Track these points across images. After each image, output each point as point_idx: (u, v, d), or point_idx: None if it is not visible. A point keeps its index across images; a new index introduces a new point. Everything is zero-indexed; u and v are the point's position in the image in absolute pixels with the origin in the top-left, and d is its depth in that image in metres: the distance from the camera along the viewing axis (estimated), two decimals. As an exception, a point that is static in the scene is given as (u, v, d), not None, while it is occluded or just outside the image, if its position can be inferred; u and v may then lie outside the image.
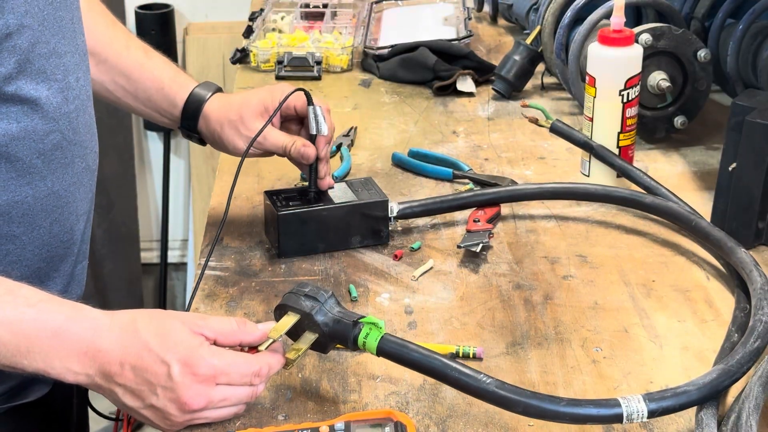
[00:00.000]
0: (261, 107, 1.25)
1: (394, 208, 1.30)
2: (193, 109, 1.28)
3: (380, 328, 0.96)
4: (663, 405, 0.91)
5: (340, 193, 1.28)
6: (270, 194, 1.28)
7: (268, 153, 1.27)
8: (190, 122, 1.29)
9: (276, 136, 1.25)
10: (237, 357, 0.94)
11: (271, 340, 0.96)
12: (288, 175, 1.46)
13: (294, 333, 0.98)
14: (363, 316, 0.97)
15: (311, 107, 1.24)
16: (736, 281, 1.17)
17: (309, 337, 0.98)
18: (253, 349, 0.97)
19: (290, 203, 1.26)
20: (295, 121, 1.29)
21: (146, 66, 1.28)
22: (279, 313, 1.00)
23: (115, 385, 0.91)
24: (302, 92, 1.24)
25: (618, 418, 0.90)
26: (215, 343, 0.95)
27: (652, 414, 0.90)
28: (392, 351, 0.95)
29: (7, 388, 1.06)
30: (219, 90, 1.30)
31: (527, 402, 0.90)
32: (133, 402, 0.92)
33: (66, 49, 1.04)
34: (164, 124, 1.32)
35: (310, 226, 1.25)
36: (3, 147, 0.98)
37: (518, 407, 0.91)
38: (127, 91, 1.28)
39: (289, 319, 0.98)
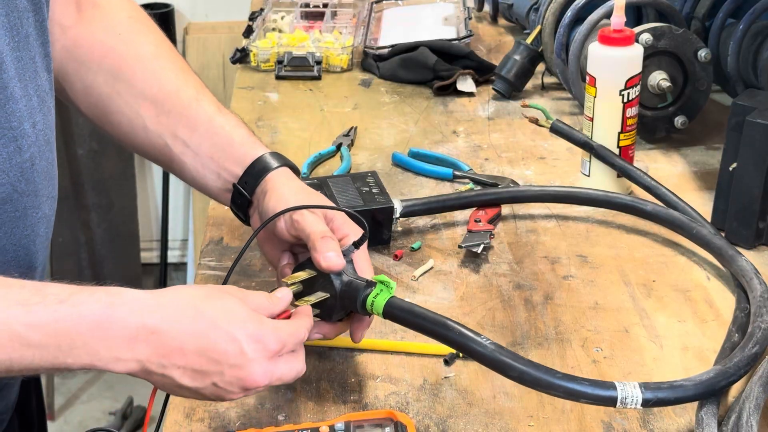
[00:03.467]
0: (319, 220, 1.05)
1: (397, 206, 1.29)
2: (259, 168, 1.10)
3: (390, 289, 0.96)
4: (659, 395, 0.91)
5: (344, 193, 1.28)
6: None
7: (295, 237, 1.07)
8: (251, 179, 1.10)
9: (312, 221, 1.03)
10: (291, 327, 0.92)
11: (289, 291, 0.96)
12: (288, 175, 1.46)
13: (308, 290, 0.98)
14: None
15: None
16: (737, 282, 1.17)
17: (319, 296, 0.98)
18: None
19: None
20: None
21: (216, 121, 1.12)
22: (298, 269, 1.01)
23: (173, 368, 0.86)
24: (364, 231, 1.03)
25: (612, 401, 0.90)
26: None
27: (646, 402, 0.90)
28: (399, 312, 0.95)
29: None
30: (288, 165, 1.12)
31: (523, 368, 0.90)
32: (193, 382, 0.87)
33: (23, 93, 0.94)
34: (213, 191, 1.14)
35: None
36: None
37: (514, 372, 0.91)
38: (188, 147, 1.12)
39: (305, 273, 0.99)
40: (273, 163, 1.10)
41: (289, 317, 0.95)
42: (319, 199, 1.09)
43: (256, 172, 1.10)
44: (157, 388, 0.90)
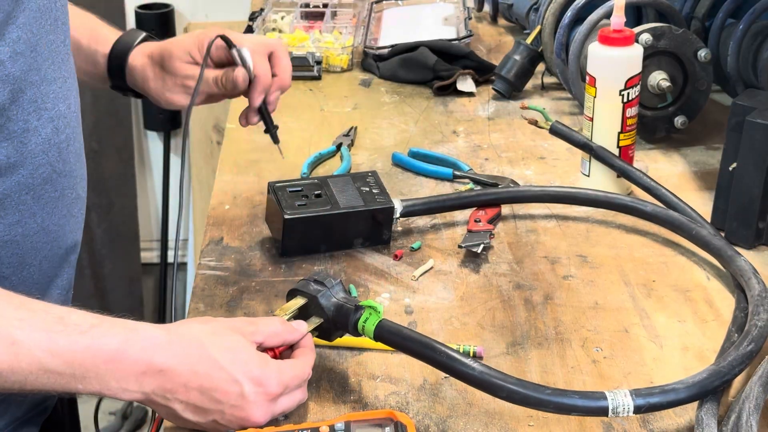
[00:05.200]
0: (186, 55, 1.21)
1: (397, 206, 1.30)
2: (116, 65, 1.22)
3: (379, 312, 0.99)
4: (650, 401, 0.91)
5: (344, 193, 1.28)
6: (274, 187, 1.27)
7: (207, 99, 1.26)
8: (118, 81, 1.23)
9: (205, 74, 1.21)
10: (295, 369, 0.95)
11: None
12: (288, 176, 1.46)
13: (303, 317, 1.02)
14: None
15: (234, 50, 1.22)
16: (736, 282, 1.16)
17: (314, 321, 1.02)
18: (270, 350, 0.98)
19: (296, 203, 1.24)
20: (230, 64, 1.24)
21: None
22: (290, 297, 1.04)
23: (176, 402, 0.90)
24: (222, 37, 1.21)
25: (603, 411, 0.91)
26: (262, 344, 0.96)
27: (638, 409, 0.91)
28: (388, 335, 0.98)
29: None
30: (146, 39, 1.24)
31: (511, 388, 0.91)
32: (195, 417, 0.91)
33: (56, 75, 0.99)
34: (95, 86, 1.27)
35: (315, 229, 1.25)
36: None
37: (503, 392, 0.92)
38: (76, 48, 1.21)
39: (296, 302, 1.03)
40: (128, 47, 1.21)
41: (287, 349, 0.99)
42: (170, 57, 1.21)
43: (115, 70, 1.22)
44: (161, 417, 0.94)
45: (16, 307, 0.87)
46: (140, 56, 1.22)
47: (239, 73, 1.21)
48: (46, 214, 0.99)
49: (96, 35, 1.22)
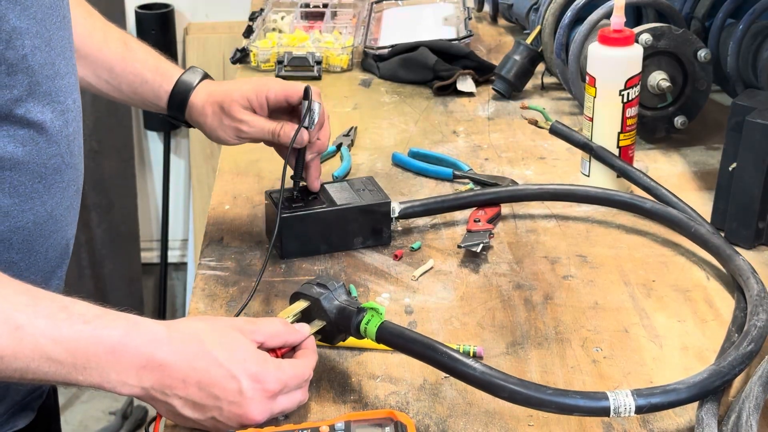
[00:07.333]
0: (244, 101, 1.24)
1: (395, 207, 1.30)
2: (179, 101, 1.27)
3: (381, 314, 0.99)
4: (651, 401, 0.91)
5: (341, 194, 1.28)
6: (271, 194, 1.28)
7: (256, 140, 1.28)
8: (177, 113, 1.29)
9: (261, 123, 1.24)
10: (295, 368, 0.96)
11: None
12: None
13: (305, 320, 1.03)
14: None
15: (307, 102, 1.23)
16: (736, 282, 1.16)
17: (317, 324, 1.02)
18: (272, 351, 0.98)
19: (292, 204, 1.25)
20: (285, 112, 1.27)
21: (127, 59, 1.27)
22: (293, 300, 1.05)
23: (174, 398, 0.90)
24: (301, 85, 1.24)
25: (605, 411, 0.91)
26: (263, 344, 0.96)
27: (639, 410, 0.91)
28: (390, 337, 0.98)
29: None
30: (205, 77, 1.29)
31: (513, 388, 0.91)
32: (194, 413, 0.91)
33: (65, 70, 1.02)
34: (152, 110, 1.34)
35: (312, 227, 1.25)
36: (7, 171, 0.96)
37: (504, 392, 0.92)
38: (111, 85, 1.27)
39: (299, 305, 1.03)
40: (190, 85, 1.27)
41: (289, 351, 0.99)
42: (229, 97, 1.25)
43: (177, 104, 1.27)
44: (161, 414, 0.94)
45: (22, 293, 0.88)
46: (202, 94, 1.27)
47: (304, 134, 1.23)
48: (55, 204, 1.01)
49: (161, 70, 1.28)
